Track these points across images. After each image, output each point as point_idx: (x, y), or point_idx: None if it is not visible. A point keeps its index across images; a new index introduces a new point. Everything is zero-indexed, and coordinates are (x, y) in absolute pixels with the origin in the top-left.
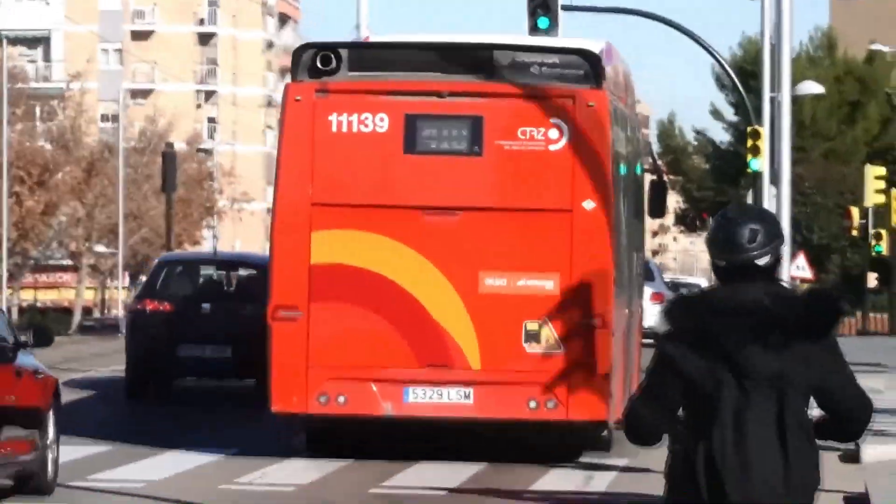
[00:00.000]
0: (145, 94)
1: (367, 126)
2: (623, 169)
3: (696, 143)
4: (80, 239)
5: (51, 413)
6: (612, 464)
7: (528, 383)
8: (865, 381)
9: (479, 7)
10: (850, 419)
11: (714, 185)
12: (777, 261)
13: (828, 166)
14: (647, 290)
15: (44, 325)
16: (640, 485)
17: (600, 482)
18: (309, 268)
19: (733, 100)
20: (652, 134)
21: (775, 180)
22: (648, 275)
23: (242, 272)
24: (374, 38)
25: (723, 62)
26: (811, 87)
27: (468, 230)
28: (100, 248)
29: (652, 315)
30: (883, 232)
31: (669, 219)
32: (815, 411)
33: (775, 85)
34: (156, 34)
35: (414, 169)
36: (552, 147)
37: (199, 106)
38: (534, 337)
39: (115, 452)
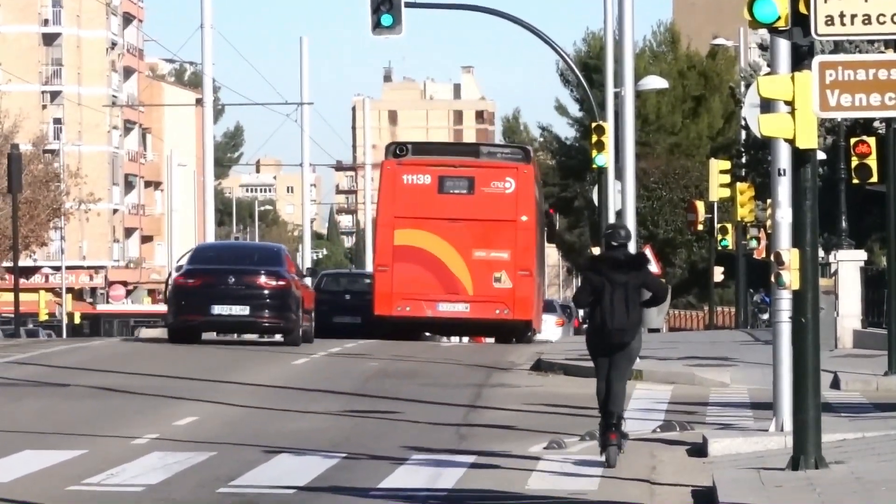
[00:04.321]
0: None
1: (420, 180)
2: (538, 202)
3: (541, 139)
4: None
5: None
6: (461, 461)
7: (496, 301)
8: (711, 375)
9: (317, 6)
10: (657, 295)
11: (560, 181)
12: (628, 243)
13: (672, 161)
14: (552, 318)
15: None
16: (489, 481)
17: (449, 479)
18: (393, 246)
19: (578, 95)
20: (497, 130)
21: (620, 175)
22: (552, 308)
23: (363, 279)
24: (412, 139)
25: (567, 58)
26: (655, 82)
27: (468, 229)
28: None
29: (554, 333)
30: (728, 226)
31: None
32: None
33: (619, 80)
34: None
35: (442, 200)
36: (507, 191)
37: (44, 106)
38: (498, 280)
39: None
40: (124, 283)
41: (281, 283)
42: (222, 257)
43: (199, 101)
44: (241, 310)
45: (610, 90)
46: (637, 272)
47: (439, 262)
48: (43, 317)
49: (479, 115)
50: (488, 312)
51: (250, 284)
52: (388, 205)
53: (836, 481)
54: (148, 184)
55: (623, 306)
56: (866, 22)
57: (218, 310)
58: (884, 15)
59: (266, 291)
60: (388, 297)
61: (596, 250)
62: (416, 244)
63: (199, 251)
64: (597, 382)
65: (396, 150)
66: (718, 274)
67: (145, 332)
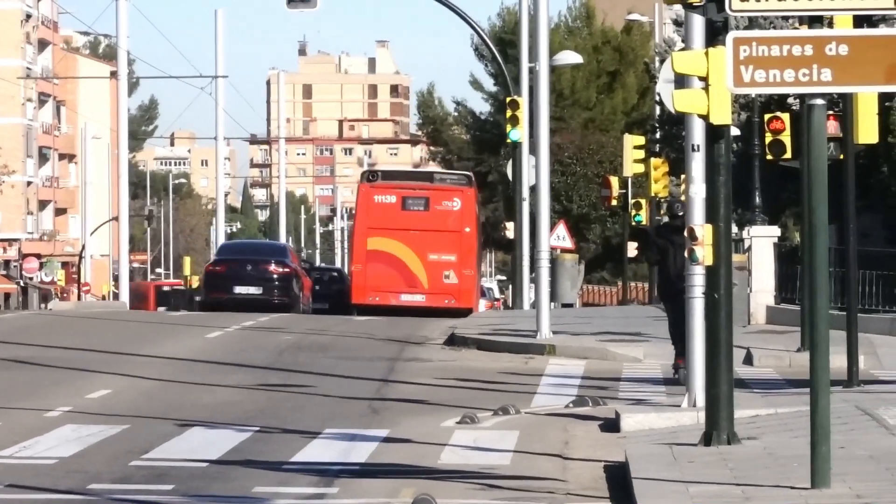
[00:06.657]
0: None
1: (387, 200)
2: (478, 217)
3: (455, 113)
4: None
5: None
6: (374, 434)
7: (445, 293)
8: (624, 351)
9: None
10: None
11: (475, 156)
12: (684, 215)
13: (587, 136)
14: (483, 302)
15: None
16: (401, 455)
17: (362, 453)
18: (366, 251)
19: (493, 70)
20: (412, 105)
21: (534, 150)
22: (483, 293)
23: (332, 273)
24: (383, 167)
25: (481, 33)
26: (569, 57)
27: (424, 237)
28: None
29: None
30: (642, 201)
31: None
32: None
33: (534, 55)
34: None
35: (405, 215)
36: (454, 209)
37: None
38: (447, 277)
39: None
40: (38, 256)
41: (286, 269)
42: (242, 250)
43: (113, 74)
44: (256, 290)
45: (524, 65)
46: None
47: (402, 262)
48: None
49: (394, 90)
50: (439, 302)
51: (263, 271)
52: (362, 218)
53: (748, 457)
54: (62, 156)
55: (682, 262)
56: None
57: (238, 290)
58: None
59: (275, 276)
60: (362, 289)
61: (510, 225)
62: (384, 249)
63: (224, 247)
64: (668, 320)
65: (369, 176)
66: (632, 249)
67: (58, 305)
